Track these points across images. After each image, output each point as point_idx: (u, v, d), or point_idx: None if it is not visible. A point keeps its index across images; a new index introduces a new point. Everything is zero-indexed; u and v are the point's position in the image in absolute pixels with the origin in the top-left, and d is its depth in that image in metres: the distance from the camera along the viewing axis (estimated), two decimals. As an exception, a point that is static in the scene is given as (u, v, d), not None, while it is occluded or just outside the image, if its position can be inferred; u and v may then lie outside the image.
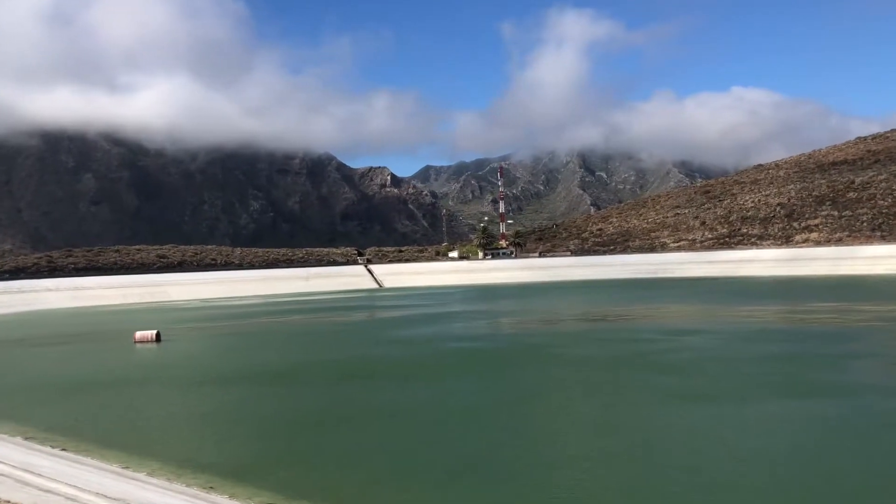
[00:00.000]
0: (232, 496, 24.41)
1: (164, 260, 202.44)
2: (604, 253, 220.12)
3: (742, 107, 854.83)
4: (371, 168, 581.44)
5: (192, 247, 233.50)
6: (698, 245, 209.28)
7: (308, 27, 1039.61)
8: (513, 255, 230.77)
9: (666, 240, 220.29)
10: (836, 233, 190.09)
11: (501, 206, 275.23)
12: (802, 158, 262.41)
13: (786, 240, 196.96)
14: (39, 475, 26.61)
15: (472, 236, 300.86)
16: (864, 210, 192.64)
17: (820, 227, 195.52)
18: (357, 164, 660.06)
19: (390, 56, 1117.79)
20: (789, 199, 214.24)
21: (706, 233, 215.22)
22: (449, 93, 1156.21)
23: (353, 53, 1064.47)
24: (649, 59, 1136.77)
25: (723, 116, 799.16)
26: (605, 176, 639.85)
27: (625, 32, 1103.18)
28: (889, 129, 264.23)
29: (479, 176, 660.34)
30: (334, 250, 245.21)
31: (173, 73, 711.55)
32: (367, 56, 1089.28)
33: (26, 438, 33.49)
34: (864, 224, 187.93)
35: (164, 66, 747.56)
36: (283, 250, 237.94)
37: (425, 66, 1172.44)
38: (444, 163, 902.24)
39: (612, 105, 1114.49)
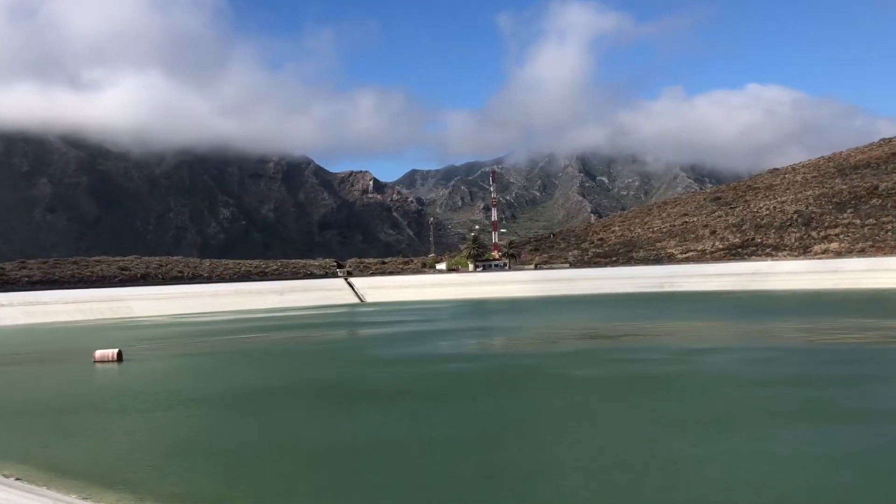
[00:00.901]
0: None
1: (127, 272, 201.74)
2: (605, 265, 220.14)
3: (758, 106, 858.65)
4: (352, 172, 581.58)
5: (156, 258, 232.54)
6: (708, 256, 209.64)
7: (289, 18, 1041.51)
8: (506, 268, 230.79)
9: (673, 250, 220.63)
10: (858, 242, 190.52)
11: (494, 214, 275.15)
12: (822, 162, 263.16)
13: (804, 250, 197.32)
14: (-13, 510, 26.55)
15: (461, 247, 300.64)
16: (890, 218, 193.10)
17: (840, 236, 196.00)
18: (337, 167, 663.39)
19: (377, 50, 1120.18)
20: (807, 206, 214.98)
21: (717, 243, 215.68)
22: (440, 90, 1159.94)
23: (337, 47, 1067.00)
24: (659, 54, 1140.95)
25: (737, 116, 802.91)
26: (606, 181, 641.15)
27: (633, 25, 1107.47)
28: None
29: (469, 181, 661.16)
30: (312, 262, 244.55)
31: (143, 69, 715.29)
32: (351, 50, 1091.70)
33: (-28, 470, 33.26)
34: (889, 233, 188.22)
35: (133, 61, 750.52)
36: (255, 262, 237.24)
37: (415, 61, 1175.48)
38: (432, 166, 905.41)
39: (618, 104, 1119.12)
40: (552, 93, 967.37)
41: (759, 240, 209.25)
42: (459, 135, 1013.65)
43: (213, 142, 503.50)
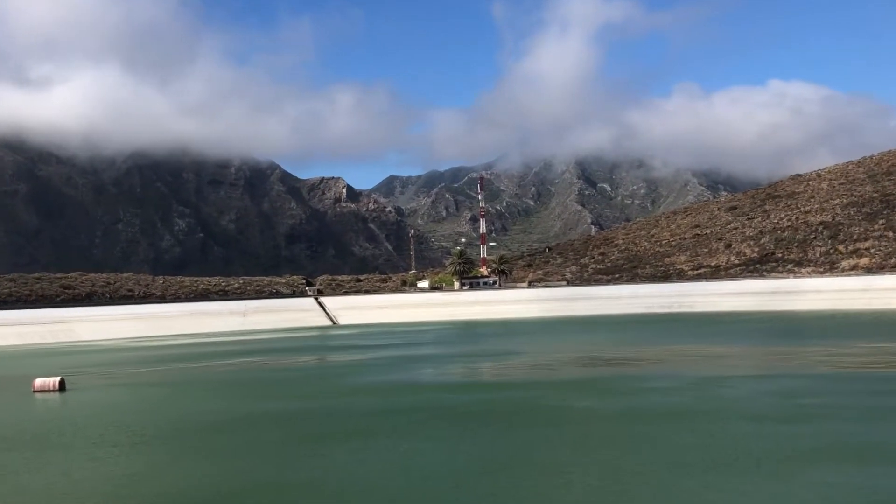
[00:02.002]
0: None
1: (70, 291, 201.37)
2: (607, 282, 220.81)
3: (782, 104, 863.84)
4: (323, 179, 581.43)
5: (103, 275, 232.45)
6: (723, 273, 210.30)
7: (262, 7, 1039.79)
8: (496, 286, 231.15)
9: (683, 266, 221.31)
10: (891, 257, 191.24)
11: (482, 225, 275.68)
12: (850, 167, 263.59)
13: (829, 266, 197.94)
14: None
15: (446, 262, 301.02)
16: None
17: (871, 250, 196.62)
18: (308, 173, 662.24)
19: (359, 42, 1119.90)
20: (834, 217, 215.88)
21: (732, 258, 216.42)
22: (427, 87, 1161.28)
23: (315, 39, 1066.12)
24: (672, 47, 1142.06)
25: (758, 115, 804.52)
26: (608, 188, 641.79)
27: (643, 14, 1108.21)
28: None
29: (454, 188, 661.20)
30: (278, 279, 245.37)
31: (98, 64, 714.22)
32: (330, 42, 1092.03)
33: None
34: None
35: (87, 55, 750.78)
36: (215, 279, 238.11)
37: (400, 55, 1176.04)
38: (413, 172, 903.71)
39: (625, 102, 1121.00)
40: (551, 90, 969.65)
41: (780, 254, 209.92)
42: (446, 136, 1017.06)
43: (171, 145, 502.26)
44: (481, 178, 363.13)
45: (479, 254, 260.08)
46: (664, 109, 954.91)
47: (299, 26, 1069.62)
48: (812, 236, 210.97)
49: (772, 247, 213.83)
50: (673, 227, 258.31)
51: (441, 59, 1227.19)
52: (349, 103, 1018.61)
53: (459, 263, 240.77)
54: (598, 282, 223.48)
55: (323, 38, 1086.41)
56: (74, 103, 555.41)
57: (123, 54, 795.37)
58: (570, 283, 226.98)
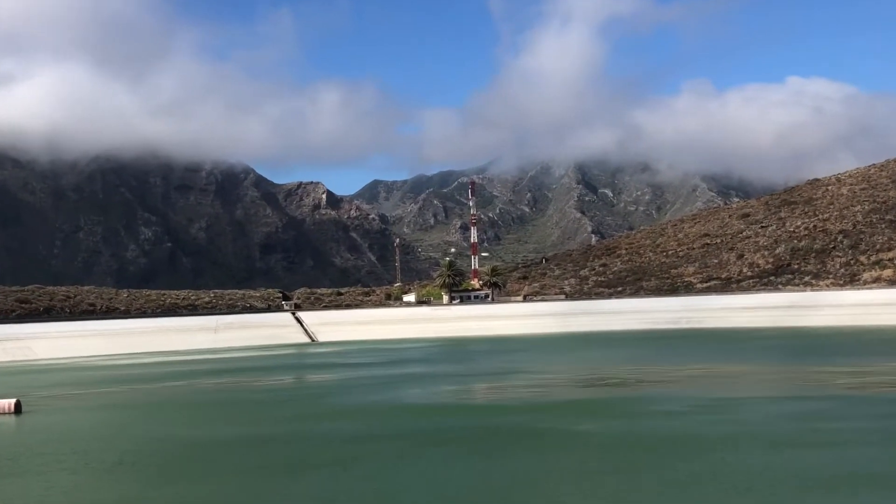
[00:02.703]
0: None
1: (27, 306, 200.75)
2: (609, 296, 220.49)
3: (801, 102, 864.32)
4: (301, 184, 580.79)
5: (63, 288, 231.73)
6: (734, 286, 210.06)
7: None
8: (489, 300, 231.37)
9: (692, 279, 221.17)
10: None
11: (473, 234, 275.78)
12: (872, 171, 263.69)
13: (850, 278, 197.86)
14: None
15: (434, 274, 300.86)
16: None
17: (895, 261, 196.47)
18: (287, 177, 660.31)
19: (344, 35, 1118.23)
20: (855, 225, 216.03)
21: (745, 269, 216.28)
22: (417, 84, 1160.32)
23: (298, 32, 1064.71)
24: (683, 42, 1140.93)
25: (774, 115, 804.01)
26: (610, 194, 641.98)
27: (652, 7, 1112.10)
28: None
29: (443, 194, 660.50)
30: (252, 293, 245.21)
31: (64, 60, 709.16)
32: (314, 36, 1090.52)
33: None
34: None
35: (53, 51, 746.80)
36: (184, 293, 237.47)
37: (389, 50, 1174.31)
38: (399, 176, 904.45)
39: (631, 101, 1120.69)
40: (551, 88, 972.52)
41: (797, 266, 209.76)
42: (436, 137, 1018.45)
43: (139, 147, 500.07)
44: (472, 183, 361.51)
45: (471, 265, 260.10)
46: (673, 108, 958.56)
47: (280, 20, 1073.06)
48: (831, 246, 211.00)
49: (788, 257, 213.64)
50: (680, 235, 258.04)
51: (433, 55, 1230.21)
52: (333, 102, 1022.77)
53: (449, 275, 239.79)
54: (599, 295, 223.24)
55: (306, 32, 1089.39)
56: (36, 102, 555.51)
57: (91, 50, 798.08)
58: (569, 296, 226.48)
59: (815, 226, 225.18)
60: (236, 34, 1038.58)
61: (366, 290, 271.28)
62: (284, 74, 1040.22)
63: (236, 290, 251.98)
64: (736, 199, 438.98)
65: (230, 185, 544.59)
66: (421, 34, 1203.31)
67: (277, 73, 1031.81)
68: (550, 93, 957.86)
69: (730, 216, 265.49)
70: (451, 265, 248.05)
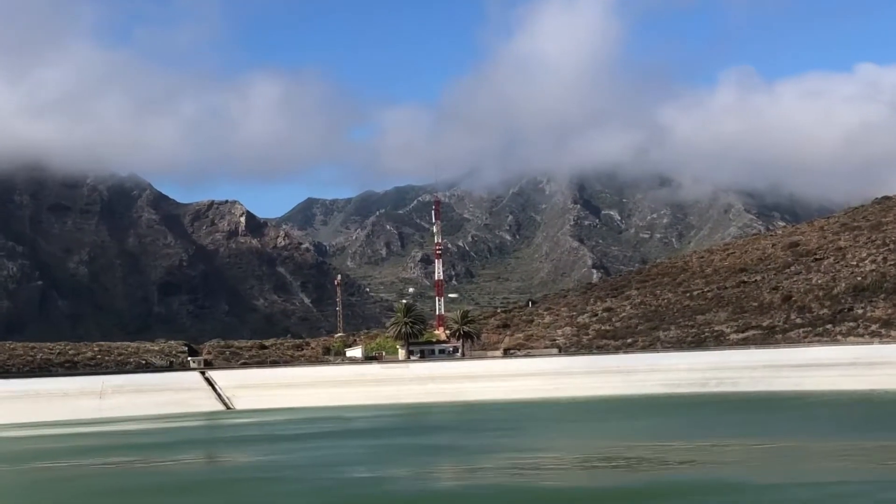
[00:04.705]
0: None
1: None
2: (616, 350, 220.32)
3: (875, 97, 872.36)
4: (213, 203, 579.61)
5: None
6: (780, 337, 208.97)
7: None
8: (458, 354, 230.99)
9: (723, 327, 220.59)
10: None
11: (438, 269, 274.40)
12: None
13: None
14: None
15: (387, 322, 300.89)
16: None
17: None
18: (199, 195, 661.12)
19: (285, 12, 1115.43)
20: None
21: (793, 315, 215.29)
22: (378, 74, 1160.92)
23: (224, 9, 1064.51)
24: (722, 22, 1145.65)
25: (840, 112, 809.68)
26: (616, 216, 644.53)
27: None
28: None
29: (399, 216, 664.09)
30: (149, 346, 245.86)
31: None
32: (246, 14, 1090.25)
33: None
34: None
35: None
36: (59, 345, 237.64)
37: (342, 30, 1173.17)
38: (341, 194, 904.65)
39: (655, 96, 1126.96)
40: (551, 78, 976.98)
41: (861, 311, 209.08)
42: (396, 143, 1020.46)
43: (11, 155, 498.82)
44: (437, 202, 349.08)
45: (435, 309, 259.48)
46: (706, 105, 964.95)
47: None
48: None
49: (849, 300, 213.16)
50: (709, 271, 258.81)
51: (398, 37, 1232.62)
52: (270, 96, 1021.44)
53: (406, 323, 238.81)
54: (602, 349, 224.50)
55: (238, 9, 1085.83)
56: None
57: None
58: (563, 350, 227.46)
59: (884, 258, 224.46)
60: (144, 10, 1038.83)
61: (297, 342, 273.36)
62: (206, 62, 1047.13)
63: (128, 343, 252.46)
64: (781, 223, 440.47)
65: (120, 205, 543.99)
66: (384, 10, 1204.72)
67: (197, 60, 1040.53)
68: (550, 85, 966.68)
69: (773, 245, 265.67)
70: (408, 309, 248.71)
